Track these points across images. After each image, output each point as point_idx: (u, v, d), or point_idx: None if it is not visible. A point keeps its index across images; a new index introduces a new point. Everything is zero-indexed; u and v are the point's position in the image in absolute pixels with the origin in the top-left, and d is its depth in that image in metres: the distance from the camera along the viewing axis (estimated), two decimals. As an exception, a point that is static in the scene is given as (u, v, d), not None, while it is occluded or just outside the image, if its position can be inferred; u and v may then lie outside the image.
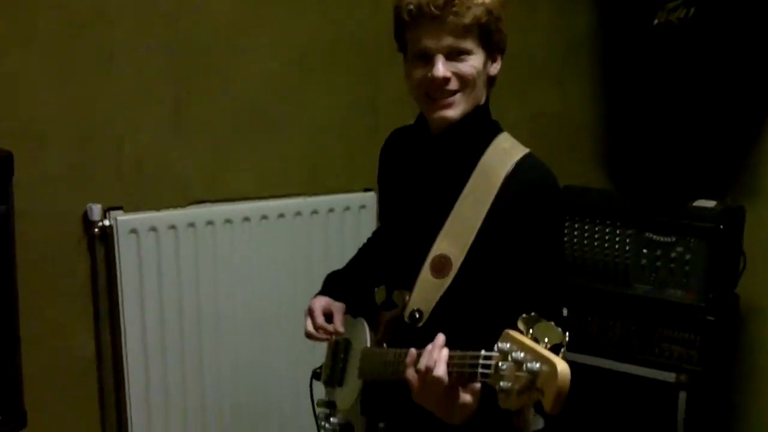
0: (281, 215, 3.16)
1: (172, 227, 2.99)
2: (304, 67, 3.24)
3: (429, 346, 1.67)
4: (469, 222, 1.88)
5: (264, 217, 3.14)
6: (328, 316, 2.23)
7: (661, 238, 3.25)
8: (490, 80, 1.99)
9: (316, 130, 3.29)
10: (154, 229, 2.96)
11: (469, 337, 1.71)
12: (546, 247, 1.89)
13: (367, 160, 3.29)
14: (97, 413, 3.04)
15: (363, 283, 2.24)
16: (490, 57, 1.96)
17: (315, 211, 3.22)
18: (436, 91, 1.92)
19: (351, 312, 2.23)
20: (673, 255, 3.23)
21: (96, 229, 2.92)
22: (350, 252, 2.45)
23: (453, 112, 1.93)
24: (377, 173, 2.28)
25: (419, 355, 1.68)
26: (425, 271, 1.91)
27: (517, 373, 1.39)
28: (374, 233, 2.48)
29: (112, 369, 3.02)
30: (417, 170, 2.05)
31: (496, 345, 1.48)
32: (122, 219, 2.92)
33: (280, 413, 3.23)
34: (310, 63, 3.24)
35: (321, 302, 2.25)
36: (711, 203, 3.32)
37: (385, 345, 1.97)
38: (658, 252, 3.25)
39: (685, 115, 3.53)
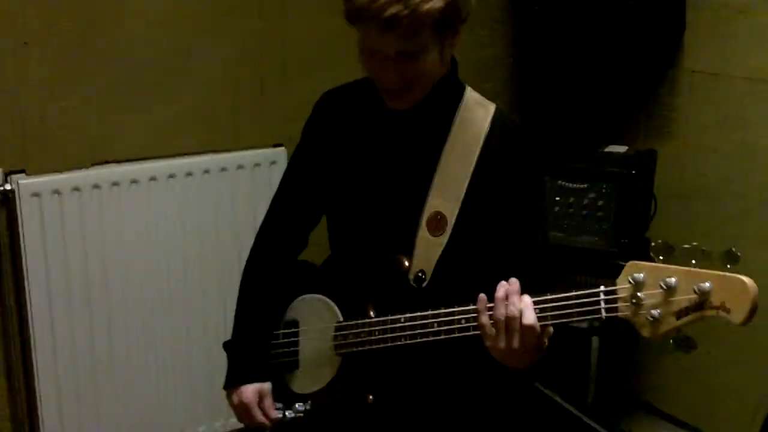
0: (189, 174, 3.09)
1: (76, 189, 2.90)
2: (201, 11, 3.10)
3: (500, 292, 1.63)
4: (457, 177, 1.84)
5: (171, 176, 3.06)
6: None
7: (574, 185, 3.26)
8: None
9: (223, 81, 3.19)
10: (57, 192, 2.87)
11: (471, 293, 1.72)
12: (537, 199, 1.93)
13: (278, 114, 3.26)
14: (4, 380, 2.98)
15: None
16: (446, 41, 1.83)
17: (224, 168, 3.15)
18: (386, 84, 1.84)
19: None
20: (585, 202, 3.25)
21: (-4, 194, 2.84)
22: (261, 210, 2.27)
23: (406, 104, 1.86)
24: (308, 137, 2.09)
25: (490, 303, 1.65)
26: (423, 230, 1.84)
27: (672, 298, 1.48)
28: (255, 262, 2.18)
29: (18, 335, 2.95)
30: (383, 133, 1.95)
31: (628, 277, 1.52)
32: (24, 183, 2.83)
33: (188, 372, 3.21)
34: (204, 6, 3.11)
35: (250, 396, 2.04)
36: (622, 148, 3.35)
37: (372, 313, 1.88)
38: (571, 199, 3.27)
39: (594, 61, 3.53)
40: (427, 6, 1.70)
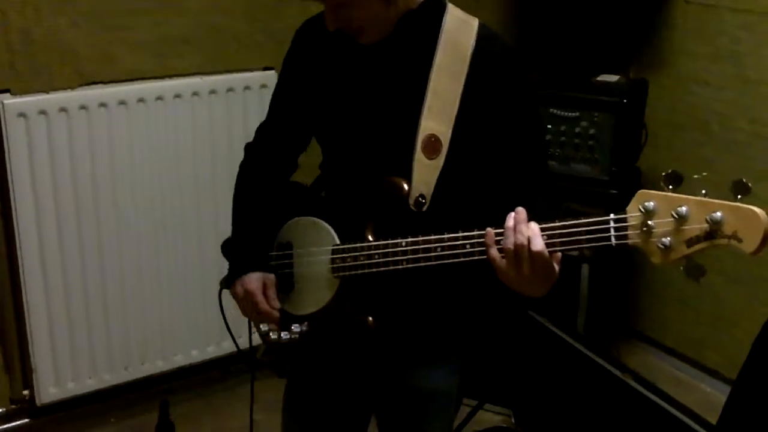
0: (178, 95, 3.05)
1: (63, 110, 2.86)
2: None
3: (509, 222, 1.62)
4: (448, 98, 1.79)
5: (159, 98, 3.02)
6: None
7: (566, 113, 3.25)
8: None
9: (213, 4, 3.14)
10: (43, 112, 2.83)
11: (471, 217, 1.70)
12: (531, 116, 1.88)
13: (268, 36, 3.21)
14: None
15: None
16: None
17: (213, 91, 3.11)
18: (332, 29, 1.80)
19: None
20: (577, 130, 3.23)
21: (-19, 114, 2.79)
22: (252, 133, 2.17)
23: (369, 41, 1.82)
24: (291, 63, 2.01)
25: (499, 234, 1.63)
26: (418, 153, 1.80)
27: (684, 227, 1.47)
28: (250, 167, 2.11)
29: (6, 259, 2.94)
30: (367, 59, 1.87)
31: (639, 205, 1.50)
32: (9, 102, 2.79)
33: (182, 296, 3.21)
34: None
35: (254, 283, 1.98)
36: (614, 77, 3.33)
37: (370, 237, 1.85)
38: (563, 127, 3.26)
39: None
40: None
